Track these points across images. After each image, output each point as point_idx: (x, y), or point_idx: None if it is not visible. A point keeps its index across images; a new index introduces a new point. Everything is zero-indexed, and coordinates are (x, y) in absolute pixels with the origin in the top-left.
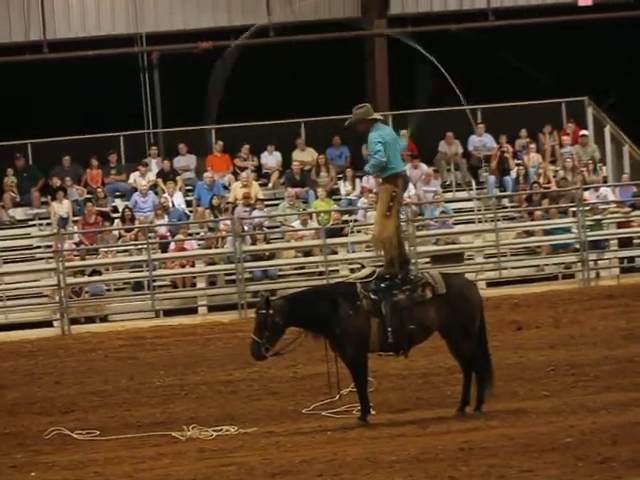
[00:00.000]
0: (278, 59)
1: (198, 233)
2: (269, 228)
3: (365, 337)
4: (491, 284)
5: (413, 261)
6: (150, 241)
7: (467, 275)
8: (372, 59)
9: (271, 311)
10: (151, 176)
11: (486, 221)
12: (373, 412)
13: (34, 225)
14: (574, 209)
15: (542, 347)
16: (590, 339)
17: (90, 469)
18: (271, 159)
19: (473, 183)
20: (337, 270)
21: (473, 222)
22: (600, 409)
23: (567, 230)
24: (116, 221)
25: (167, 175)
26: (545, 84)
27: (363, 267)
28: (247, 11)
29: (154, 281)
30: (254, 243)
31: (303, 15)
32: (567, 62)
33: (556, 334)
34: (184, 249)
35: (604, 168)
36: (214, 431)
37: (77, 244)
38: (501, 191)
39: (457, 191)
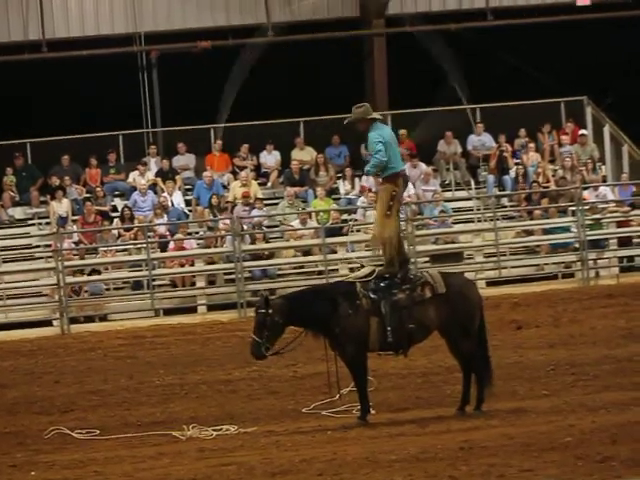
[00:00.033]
0: (277, 59)
1: (197, 232)
2: (268, 227)
3: (365, 336)
4: (491, 283)
5: (412, 260)
6: (149, 240)
7: (466, 274)
8: (371, 59)
9: (270, 310)
10: (150, 175)
11: (485, 220)
12: (373, 411)
13: (33, 224)
14: (573, 208)
15: (542, 346)
16: (590, 338)
17: (90, 468)
18: (270, 158)
19: (472, 182)
20: (336, 269)
21: (472, 221)
22: (600, 408)
23: (566, 229)
24: (115, 220)
25: (166, 174)
26: (544, 84)
27: (362, 266)
28: (246, 11)
29: (153, 280)
30: (253, 242)
31: (302, 15)
32: (566, 62)
33: (556, 333)
34: (183, 248)
35: (603, 167)
36: (214, 430)
37: (76, 243)
38: (500, 190)
39: (456, 190)
